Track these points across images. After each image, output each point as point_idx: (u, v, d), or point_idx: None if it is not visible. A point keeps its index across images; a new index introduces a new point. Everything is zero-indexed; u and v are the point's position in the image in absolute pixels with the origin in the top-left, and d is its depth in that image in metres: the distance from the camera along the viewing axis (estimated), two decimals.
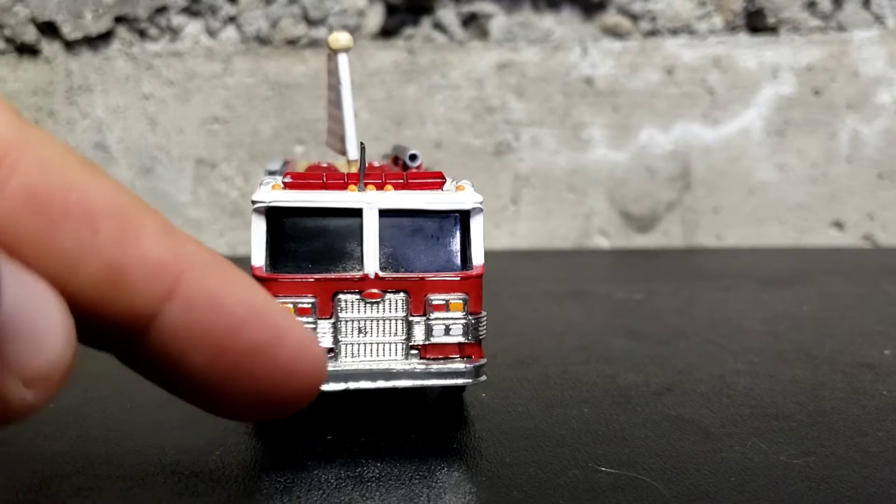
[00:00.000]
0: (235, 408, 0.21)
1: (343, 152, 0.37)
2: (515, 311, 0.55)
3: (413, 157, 0.39)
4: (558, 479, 0.30)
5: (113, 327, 0.19)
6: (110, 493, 0.29)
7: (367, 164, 0.35)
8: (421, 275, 0.33)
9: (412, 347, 0.33)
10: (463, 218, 0.34)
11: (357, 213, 0.32)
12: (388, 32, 0.79)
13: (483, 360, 0.34)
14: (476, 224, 0.34)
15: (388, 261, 0.33)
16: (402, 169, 0.40)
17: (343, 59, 0.36)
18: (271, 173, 0.39)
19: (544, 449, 0.33)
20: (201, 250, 0.20)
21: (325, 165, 0.41)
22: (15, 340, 0.17)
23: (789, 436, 0.34)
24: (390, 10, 0.78)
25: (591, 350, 0.46)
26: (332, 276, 0.32)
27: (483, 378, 0.34)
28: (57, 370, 0.18)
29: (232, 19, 0.77)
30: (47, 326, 0.18)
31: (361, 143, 0.34)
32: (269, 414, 0.21)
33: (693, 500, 0.29)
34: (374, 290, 0.32)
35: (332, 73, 0.37)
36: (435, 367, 0.33)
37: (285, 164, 0.44)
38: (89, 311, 0.19)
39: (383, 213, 0.33)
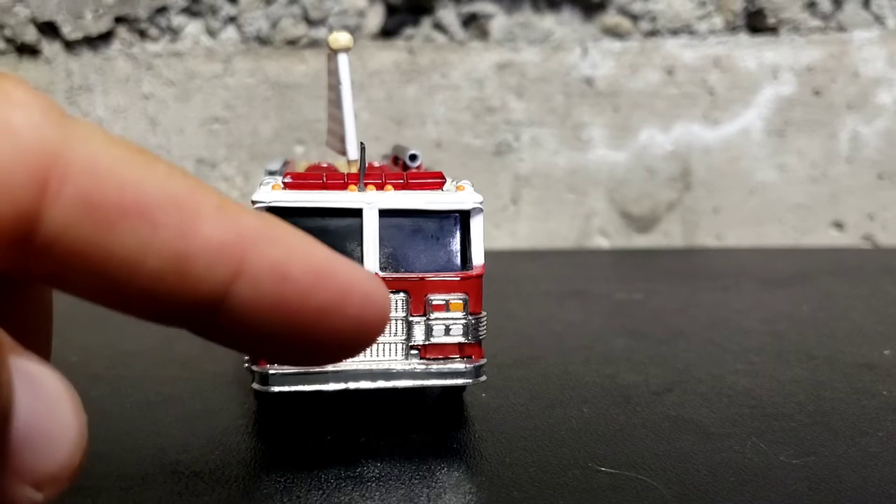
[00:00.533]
0: (309, 359, 0.22)
1: (343, 152, 0.37)
2: (515, 311, 0.55)
3: (413, 158, 0.39)
4: (558, 479, 0.30)
5: (181, 310, 0.20)
6: (110, 493, 0.29)
7: (367, 164, 0.35)
8: (421, 275, 0.33)
9: (412, 347, 0.33)
10: (463, 218, 0.34)
11: (357, 213, 0.32)
12: (388, 33, 0.79)
13: (483, 360, 0.34)
14: (476, 224, 0.34)
15: (388, 261, 0.33)
16: (402, 169, 0.40)
17: (343, 59, 0.36)
18: (271, 173, 0.39)
19: (544, 449, 0.33)
20: (260, 222, 0.20)
21: (325, 165, 0.41)
22: (27, 449, 0.17)
23: (789, 436, 0.34)
24: (390, 10, 0.78)
25: (591, 350, 0.46)
26: None
27: (483, 378, 0.34)
28: (68, 471, 0.18)
29: (232, 19, 0.77)
30: (60, 431, 0.18)
31: (361, 143, 0.34)
32: (340, 357, 0.22)
33: (693, 500, 0.29)
34: None
35: (332, 73, 0.37)
36: (435, 367, 0.33)
37: (285, 164, 0.44)
38: (156, 299, 0.19)
39: (383, 213, 0.33)
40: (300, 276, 0.20)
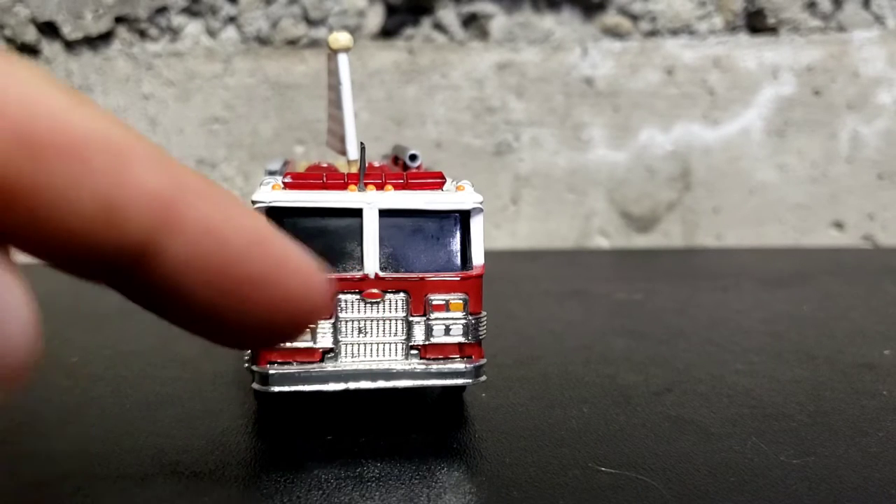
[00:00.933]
0: (236, 337, 0.21)
1: (343, 152, 0.37)
2: (515, 311, 0.55)
3: (413, 158, 0.39)
4: (558, 479, 0.30)
5: (108, 259, 0.19)
6: (110, 493, 0.29)
7: (366, 164, 0.35)
8: (421, 275, 0.33)
9: (412, 347, 0.33)
10: (463, 218, 0.34)
11: (357, 213, 0.32)
12: (388, 33, 0.79)
13: (483, 360, 0.34)
14: (476, 224, 0.34)
15: (388, 261, 0.33)
16: (402, 169, 0.40)
17: (343, 59, 0.36)
18: (271, 173, 0.39)
19: (544, 449, 0.33)
20: (198, 179, 0.20)
21: (325, 165, 0.41)
22: None
23: (789, 436, 0.34)
24: (390, 10, 0.78)
25: (591, 350, 0.46)
26: (333, 276, 0.32)
27: (483, 378, 0.34)
28: (24, 368, 0.18)
29: (232, 19, 0.77)
30: (14, 325, 0.17)
31: (361, 143, 0.34)
32: (268, 342, 0.21)
33: (693, 500, 0.29)
34: (374, 291, 0.32)
35: (332, 73, 0.37)
36: (435, 367, 0.33)
37: (285, 164, 0.44)
38: (84, 245, 0.19)
39: (383, 213, 0.33)
40: (232, 238, 0.20)
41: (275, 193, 0.32)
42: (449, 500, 0.29)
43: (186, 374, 0.41)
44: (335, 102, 0.38)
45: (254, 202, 0.32)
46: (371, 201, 0.32)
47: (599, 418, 0.36)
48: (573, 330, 0.51)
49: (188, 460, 0.31)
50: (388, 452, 0.32)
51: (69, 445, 0.33)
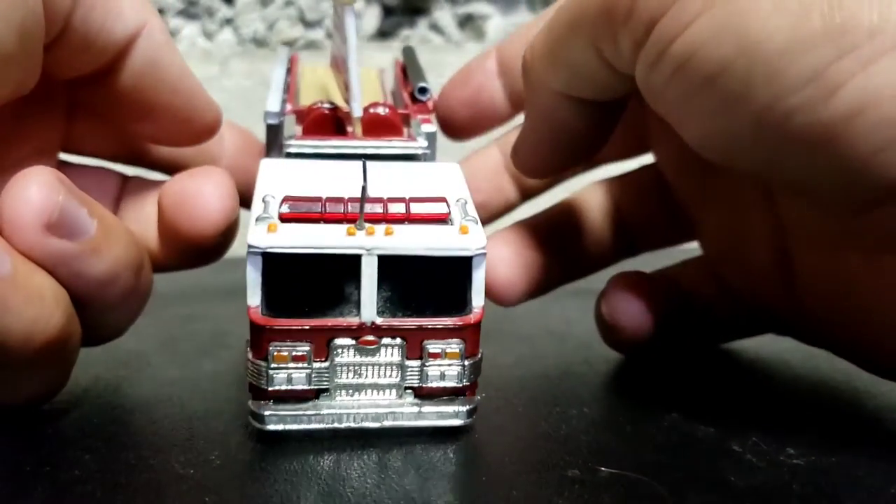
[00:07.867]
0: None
1: (347, 102, 0.37)
2: (515, 310, 0.55)
3: (423, 91, 0.38)
4: (558, 479, 0.30)
5: (94, 51, 0.33)
6: (110, 494, 0.29)
7: (370, 103, 0.34)
8: (418, 322, 0.32)
9: (406, 388, 0.33)
10: (465, 262, 0.32)
11: (355, 257, 0.31)
12: (384, 34, 0.79)
13: (477, 399, 0.33)
14: (478, 269, 0.32)
15: (385, 305, 0.32)
16: (410, 100, 0.39)
17: (350, 14, 0.35)
18: (273, 123, 0.39)
19: (544, 449, 0.33)
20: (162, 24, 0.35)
21: (327, 106, 0.39)
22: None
23: (789, 436, 0.34)
24: (387, 11, 0.78)
25: (590, 350, 0.46)
26: (329, 322, 0.31)
27: (474, 417, 0.34)
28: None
29: (228, 21, 0.77)
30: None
31: (363, 187, 0.32)
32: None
33: (693, 499, 0.29)
34: (371, 338, 0.32)
35: (339, 28, 0.37)
36: (427, 408, 0.33)
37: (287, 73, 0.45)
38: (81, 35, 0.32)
39: (382, 259, 0.31)
40: (169, 70, 0.39)
41: (270, 238, 0.31)
42: (449, 500, 0.29)
43: (186, 374, 0.41)
44: (341, 57, 0.37)
45: (250, 246, 0.31)
46: (370, 247, 0.31)
47: (599, 418, 0.36)
48: (573, 330, 0.51)
49: (188, 460, 0.31)
50: (387, 452, 0.32)
51: (69, 446, 0.33)
